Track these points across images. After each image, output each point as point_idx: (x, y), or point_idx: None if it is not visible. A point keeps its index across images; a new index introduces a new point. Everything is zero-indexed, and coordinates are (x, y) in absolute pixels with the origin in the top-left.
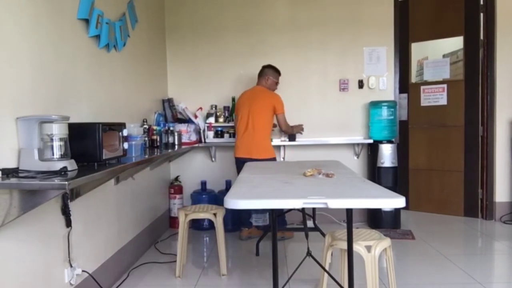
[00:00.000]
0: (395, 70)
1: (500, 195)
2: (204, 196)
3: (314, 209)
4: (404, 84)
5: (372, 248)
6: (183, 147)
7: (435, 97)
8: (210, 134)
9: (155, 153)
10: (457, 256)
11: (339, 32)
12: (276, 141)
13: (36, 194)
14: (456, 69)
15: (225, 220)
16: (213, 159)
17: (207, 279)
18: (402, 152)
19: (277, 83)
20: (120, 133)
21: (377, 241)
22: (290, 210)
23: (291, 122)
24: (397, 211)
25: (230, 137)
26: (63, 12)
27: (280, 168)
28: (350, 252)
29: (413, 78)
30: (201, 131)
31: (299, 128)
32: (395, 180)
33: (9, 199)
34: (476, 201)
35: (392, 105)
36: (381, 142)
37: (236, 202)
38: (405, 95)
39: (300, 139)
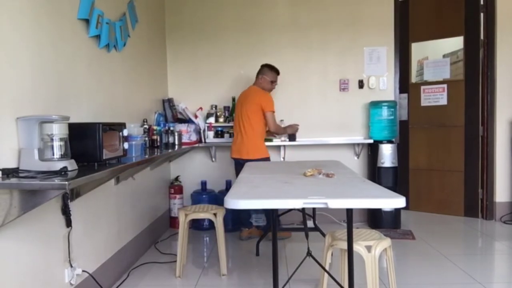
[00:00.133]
0: (395, 70)
1: (500, 195)
2: (204, 196)
3: (314, 209)
4: (404, 84)
5: (372, 248)
6: (183, 147)
7: (435, 97)
8: (210, 134)
9: (155, 153)
10: (457, 256)
11: (339, 32)
12: (276, 141)
13: (36, 194)
14: (456, 69)
15: (225, 220)
16: (213, 159)
17: (207, 279)
18: (402, 152)
19: (273, 82)
20: (120, 133)
21: (377, 241)
22: (290, 210)
23: (292, 122)
24: (397, 211)
25: (230, 137)
26: (63, 12)
27: (280, 168)
28: (350, 252)
29: (413, 78)
30: (201, 131)
31: (293, 129)
32: (395, 180)
33: (9, 199)
34: (476, 201)
35: (392, 105)
36: (381, 142)
37: (236, 202)
38: (405, 95)
39: (300, 139)
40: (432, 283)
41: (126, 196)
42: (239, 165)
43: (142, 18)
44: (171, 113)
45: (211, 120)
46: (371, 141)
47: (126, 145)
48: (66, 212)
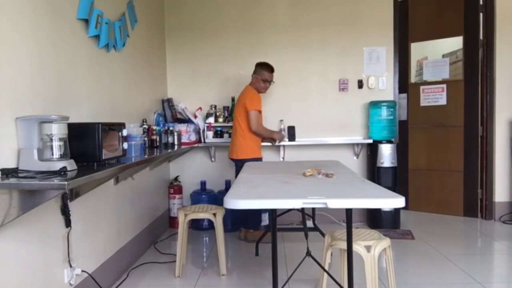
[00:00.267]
0: (394, 70)
1: (499, 195)
2: (203, 196)
3: (313, 209)
4: (404, 84)
5: (371, 248)
6: (183, 147)
7: (434, 97)
8: (210, 134)
9: (155, 153)
10: (457, 256)
11: (339, 32)
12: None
13: (35, 194)
14: (456, 69)
15: (225, 220)
16: (213, 159)
17: (207, 279)
18: (401, 152)
19: (265, 81)
20: (120, 133)
21: (377, 241)
22: (289, 210)
23: (291, 122)
24: (396, 211)
25: (229, 137)
26: (62, 12)
27: (280, 168)
28: (349, 252)
29: (413, 78)
30: (201, 131)
31: (279, 136)
32: (395, 180)
33: (8, 199)
34: (475, 201)
35: (391, 105)
36: (380, 142)
37: (235, 202)
38: (404, 95)
39: (299, 139)
40: (432, 283)
41: (126, 196)
42: (235, 165)
43: (141, 18)
44: (170, 113)
45: (211, 120)
46: (370, 141)
47: (125, 145)
48: (65, 212)
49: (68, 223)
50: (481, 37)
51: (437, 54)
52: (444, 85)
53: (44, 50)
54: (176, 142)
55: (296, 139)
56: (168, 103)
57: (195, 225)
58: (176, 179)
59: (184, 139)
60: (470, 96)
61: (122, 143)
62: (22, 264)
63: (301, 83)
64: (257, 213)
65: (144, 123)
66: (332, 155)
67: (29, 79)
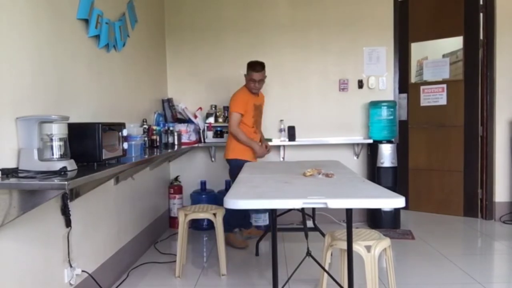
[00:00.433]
0: (394, 70)
1: (499, 195)
2: (203, 196)
3: (313, 209)
4: (404, 84)
5: (371, 248)
6: (183, 147)
7: (434, 97)
8: (210, 134)
9: (155, 153)
10: (457, 256)
11: (339, 32)
12: (275, 141)
13: (35, 194)
14: (456, 69)
15: (225, 220)
16: (213, 159)
17: (207, 279)
18: (401, 152)
19: (252, 80)
20: (120, 133)
21: (377, 241)
22: (289, 210)
23: (291, 122)
24: (396, 211)
25: None
26: (62, 12)
27: (280, 168)
28: (349, 252)
29: (413, 78)
30: (201, 131)
31: (260, 151)
32: (395, 180)
33: (8, 199)
34: (475, 201)
35: (391, 105)
36: (380, 142)
37: (236, 202)
38: (404, 95)
39: (299, 139)
40: (432, 283)
41: (126, 196)
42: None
43: (141, 18)
44: (170, 113)
45: (211, 120)
46: (370, 141)
47: (125, 145)
48: (65, 212)
49: (68, 223)
50: (481, 37)
51: (437, 54)
52: (444, 85)
53: (44, 50)
54: (176, 142)
55: (296, 139)
56: (168, 103)
57: (195, 225)
58: (176, 179)
59: (184, 139)
60: (470, 96)
61: (122, 143)
62: (22, 264)
63: (301, 83)
64: (242, 213)
65: (144, 123)
66: (332, 155)
67: (29, 79)
